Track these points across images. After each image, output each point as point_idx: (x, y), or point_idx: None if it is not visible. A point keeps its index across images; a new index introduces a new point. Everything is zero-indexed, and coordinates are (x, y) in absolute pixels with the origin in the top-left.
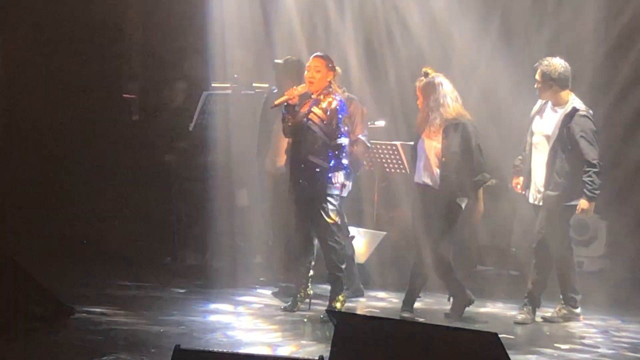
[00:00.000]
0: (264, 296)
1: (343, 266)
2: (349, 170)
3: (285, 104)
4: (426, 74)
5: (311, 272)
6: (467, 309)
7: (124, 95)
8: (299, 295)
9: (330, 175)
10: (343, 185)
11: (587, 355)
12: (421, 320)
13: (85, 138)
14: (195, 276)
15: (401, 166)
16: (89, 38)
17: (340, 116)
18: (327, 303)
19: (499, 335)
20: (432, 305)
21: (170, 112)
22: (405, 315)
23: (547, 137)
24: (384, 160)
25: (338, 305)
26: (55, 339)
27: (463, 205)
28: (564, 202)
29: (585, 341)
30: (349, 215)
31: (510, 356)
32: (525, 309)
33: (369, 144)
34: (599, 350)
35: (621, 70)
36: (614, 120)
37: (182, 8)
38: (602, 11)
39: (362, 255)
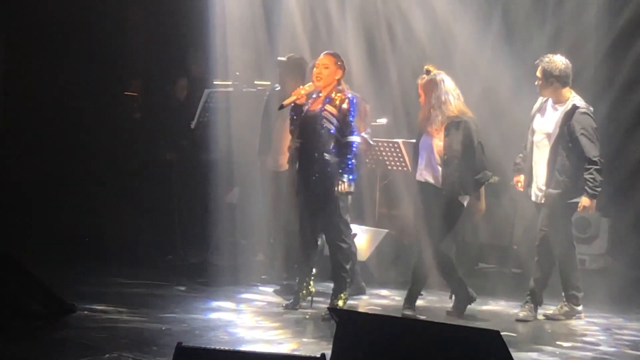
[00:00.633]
0: (266, 294)
1: (348, 265)
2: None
3: (293, 104)
4: (428, 72)
5: (314, 270)
6: (469, 306)
7: (126, 93)
8: (301, 293)
9: (341, 172)
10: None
11: (589, 353)
12: (423, 318)
13: (87, 136)
14: (197, 274)
15: (403, 164)
16: (90, 36)
17: (352, 113)
18: (330, 301)
19: (501, 333)
20: (434, 303)
21: (172, 109)
22: (407, 313)
23: (548, 135)
24: (385, 158)
25: (340, 303)
26: (57, 337)
27: (465, 203)
28: (565, 199)
29: (587, 339)
30: (350, 213)
31: (512, 354)
32: (526, 307)
33: (371, 142)
34: (600, 348)
35: (622, 67)
36: (615, 118)
37: (183, 5)
38: (603, 9)
39: (364, 253)
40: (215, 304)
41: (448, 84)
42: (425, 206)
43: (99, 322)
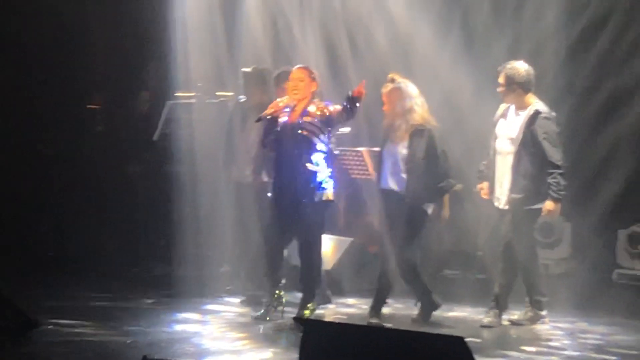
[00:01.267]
0: (232, 305)
1: (318, 276)
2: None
3: (269, 116)
4: (393, 80)
5: (283, 280)
6: (434, 313)
7: (88, 106)
8: (271, 304)
9: (320, 182)
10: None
11: (554, 358)
12: (389, 325)
13: (50, 149)
14: (163, 286)
15: (366, 172)
16: (50, 49)
17: (331, 121)
18: (297, 310)
19: (466, 339)
20: (400, 311)
21: (134, 122)
22: (373, 321)
23: (512, 141)
24: (349, 167)
25: (307, 312)
26: (22, 352)
27: (429, 211)
28: (529, 205)
29: (552, 343)
30: None
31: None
32: (491, 312)
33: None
34: (565, 352)
35: (581, 73)
36: (575, 123)
37: (145, 18)
38: (562, 14)
39: (329, 262)
40: (180, 315)
41: (413, 92)
42: (389, 214)
43: (63, 336)
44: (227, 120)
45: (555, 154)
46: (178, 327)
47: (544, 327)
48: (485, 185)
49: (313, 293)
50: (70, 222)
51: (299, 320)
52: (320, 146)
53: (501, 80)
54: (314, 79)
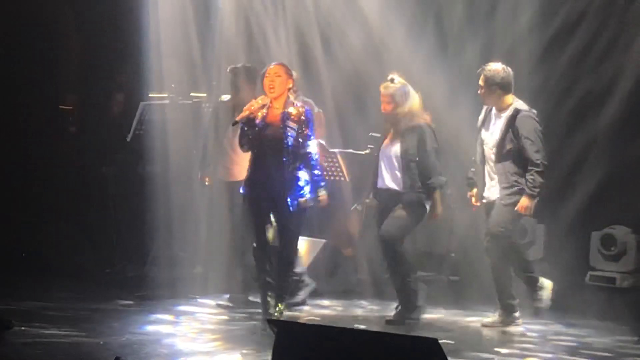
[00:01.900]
0: (205, 306)
1: (294, 277)
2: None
3: (246, 118)
4: (392, 80)
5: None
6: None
7: (61, 107)
8: (267, 305)
9: (300, 184)
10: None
11: None
12: (362, 327)
13: (22, 150)
14: (136, 287)
15: (340, 174)
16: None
17: (311, 127)
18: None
19: (440, 341)
20: (374, 312)
21: (107, 123)
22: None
23: (496, 143)
24: (323, 168)
25: (277, 314)
26: None
27: (427, 207)
28: (511, 203)
29: (525, 345)
30: None
31: None
32: (496, 312)
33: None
34: (539, 354)
35: (556, 73)
36: (548, 124)
37: (118, 19)
38: (535, 15)
39: (303, 263)
40: (153, 317)
41: (412, 92)
42: (386, 213)
43: (35, 337)
44: (209, 119)
45: (534, 152)
46: (151, 329)
47: (517, 329)
48: (475, 192)
49: (285, 293)
50: (43, 223)
51: (271, 321)
52: (299, 147)
53: (481, 82)
54: (290, 76)
